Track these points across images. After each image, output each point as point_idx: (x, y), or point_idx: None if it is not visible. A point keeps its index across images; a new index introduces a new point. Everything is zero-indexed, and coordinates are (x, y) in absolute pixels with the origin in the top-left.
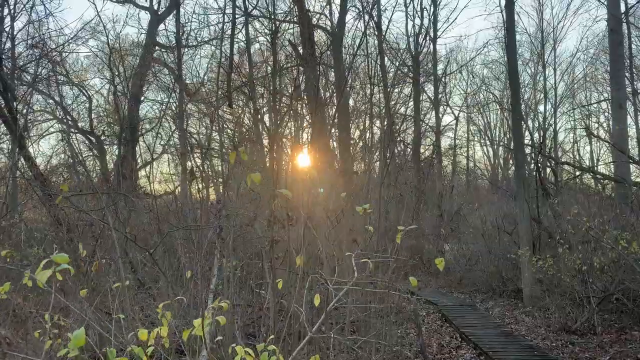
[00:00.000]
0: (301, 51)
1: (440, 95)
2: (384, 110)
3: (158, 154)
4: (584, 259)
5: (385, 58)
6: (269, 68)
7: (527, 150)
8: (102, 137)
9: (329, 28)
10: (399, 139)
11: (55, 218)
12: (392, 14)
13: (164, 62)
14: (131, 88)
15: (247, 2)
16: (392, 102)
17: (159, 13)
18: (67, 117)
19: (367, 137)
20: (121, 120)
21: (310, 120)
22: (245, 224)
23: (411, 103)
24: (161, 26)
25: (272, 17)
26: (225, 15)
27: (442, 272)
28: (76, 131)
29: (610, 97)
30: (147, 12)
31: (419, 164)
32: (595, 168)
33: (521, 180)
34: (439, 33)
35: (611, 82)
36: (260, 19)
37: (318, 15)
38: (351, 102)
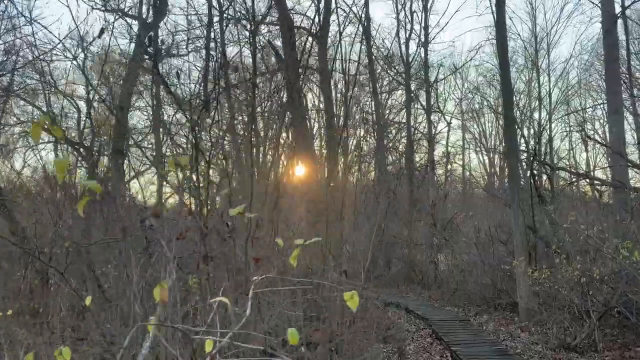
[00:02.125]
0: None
1: (433, 103)
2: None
3: (148, 166)
4: (582, 269)
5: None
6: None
7: (523, 156)
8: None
9: (312, 30)
10: (389, 145)
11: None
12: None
13: (153, 71)
14: (119, 98)
15: (222, 1)
16: (383, 110)
17: (148, 22)
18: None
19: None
20: (93, 129)
21: (292, 128)
22: (177, 236)
23: (403, 110)
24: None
25: (251, 17)
26: (202, 17)
27: (434, 284)
28: (63, 142)
29: (606, 101)
30: (135, 20)
31: (412, 172)
32: (593, 174)
33: (515, 186)
34: (430, 38)
35: (607, 85)
36: (238, 20)
37: (301, 16)
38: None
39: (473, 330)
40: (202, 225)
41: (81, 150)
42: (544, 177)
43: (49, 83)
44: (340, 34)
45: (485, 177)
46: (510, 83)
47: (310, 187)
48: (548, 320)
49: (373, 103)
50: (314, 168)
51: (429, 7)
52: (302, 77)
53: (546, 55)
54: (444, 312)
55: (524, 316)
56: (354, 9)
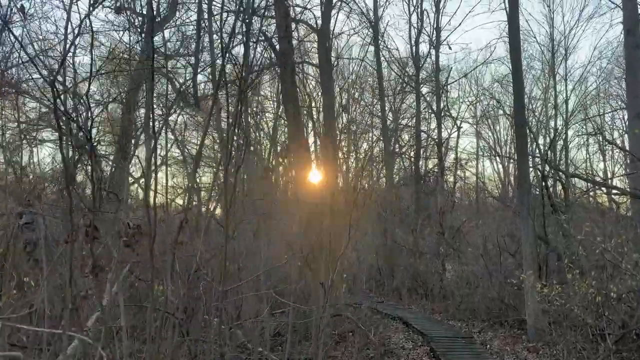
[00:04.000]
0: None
1: (443, 106)
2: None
3: (157, 165)
4: (598, 286)
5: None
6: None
7: (537, 164)
8: (98, 147)
9: (313, 23)
10: (400, 151)
11: None
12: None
13: (163, 71)
14: (126, 97)
15: None
16: (394, 114)
17: (158, 20)
18: (63, 125)
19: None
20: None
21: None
22: (64, 238)
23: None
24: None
25: (244, 5)
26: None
27: (439, 296)
28: (71, 140)
29: (626, 106)
30: (143, 20)
31: (419, 178)
32: (610, 182)
33: (525, 192)
34: (441, 39)
35: (627, 88)
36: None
37: (301, 10)
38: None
39: (474, 350)
40: (89, 225)
41: (86, 147)
42: (558, 185)
43: (59, 80)
44: (350, 36)
45: (500, 186)
46: (521, 81)
47: (301, 188)
48: (559, 342)
49: (380, 105)
50: (308, 168)
51: (440, 6)
52: (298, 72)
53: (563, 61)
54: (445, 327)
55: (532, 335)
56: (360, 3)
